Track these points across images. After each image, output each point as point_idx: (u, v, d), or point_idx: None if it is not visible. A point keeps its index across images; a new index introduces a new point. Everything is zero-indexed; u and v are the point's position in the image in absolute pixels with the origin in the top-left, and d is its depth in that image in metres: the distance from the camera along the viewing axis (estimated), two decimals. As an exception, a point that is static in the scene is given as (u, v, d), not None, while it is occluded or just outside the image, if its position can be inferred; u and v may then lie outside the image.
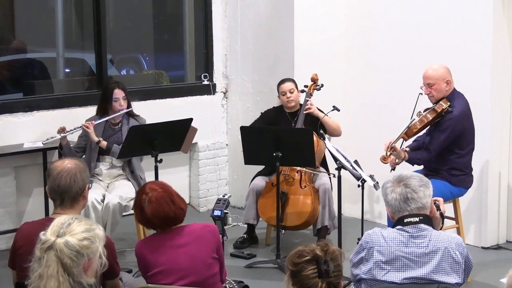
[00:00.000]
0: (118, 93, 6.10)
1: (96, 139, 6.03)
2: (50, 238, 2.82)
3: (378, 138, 6.09)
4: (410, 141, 5.84)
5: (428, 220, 3.56)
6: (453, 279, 3.49)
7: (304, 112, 6.31)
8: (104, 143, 6.05)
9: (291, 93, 6.37)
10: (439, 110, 5.53)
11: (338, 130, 6.39)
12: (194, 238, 3.85)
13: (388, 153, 5.58)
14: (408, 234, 3.52)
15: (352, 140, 7.05)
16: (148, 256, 3.82)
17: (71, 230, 2.85)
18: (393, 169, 5.71)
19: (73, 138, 6.27)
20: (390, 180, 3.63)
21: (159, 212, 3.82)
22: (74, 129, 6.03)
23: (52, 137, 6.02)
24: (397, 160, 5.68)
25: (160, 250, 3.82)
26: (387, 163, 5.61)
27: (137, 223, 6.13)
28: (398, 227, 3.55)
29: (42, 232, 2.86)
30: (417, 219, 3.53)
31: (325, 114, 6.32)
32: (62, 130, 5.99)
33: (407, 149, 5.71)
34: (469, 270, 3.60)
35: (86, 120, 6.19)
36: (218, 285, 3.92)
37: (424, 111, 5.61)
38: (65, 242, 2.80)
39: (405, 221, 3.54)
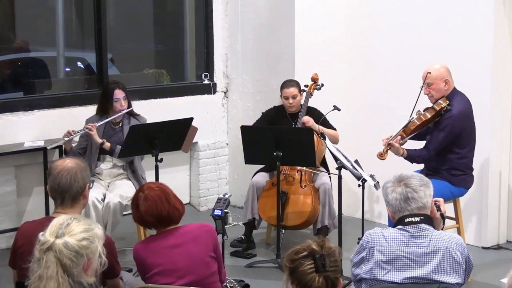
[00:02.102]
0: (119, 94, 6.10)
1: (99, 141, 6.03)
2: (49, 239, 2.81)
3: (378, 138, 6.08)
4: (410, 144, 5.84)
5: (429, 220, 3.56)
6: (453, 279, 3.49)
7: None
8: (107, 145, 6.06)
9: (294, 98, 6.36)
10: (438, 109, 5.53)
11: (334, 139, 6.35)
12: (191, 238, 3.87)
13: (385, 149, 5.58)
14: (409, 233, 3.52)
15: (353, 140, 7.04)
16: (145, 258, 3.83)
17: (70, 231, 2.84)
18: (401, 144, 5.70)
19: (73, 139, 6.27)
20: (390, 180, 3.63)
21: (153, 210, 3.86)
22: (78, 132, 6.02)
23: (56, 142, 6.02)
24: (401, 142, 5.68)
25: (157, 251, 3.83)
26: (384, 159, 5.61)
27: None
28: (399, 226, 3.55)
29: (41, 233, 2.85)
30: (417, 218, 3.53)
31: (324, 116, 6.31)
32: (68, 134, 5.99)
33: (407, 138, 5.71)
34: (470, 270, 3.60)
35: (86, 120, 6.19)
36: (217, 284, 3.93)
37: (424, 111, 5.62)
38: (64, 243, 2.80)
39: (406, 221, 3.54)
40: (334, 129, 6.42)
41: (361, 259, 3.56)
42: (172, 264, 3.80)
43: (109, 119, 6.11)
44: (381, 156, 5.60)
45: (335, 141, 6.36)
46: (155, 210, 3.86)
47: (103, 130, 6.14)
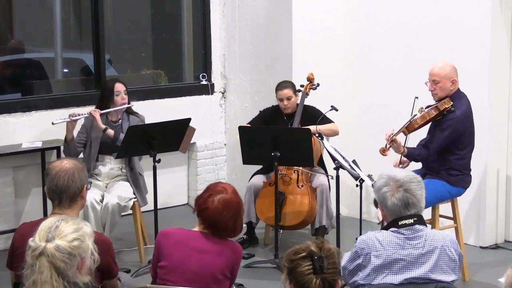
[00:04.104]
0: (119, 87, 6.13)
1: (102, 126, 6.03)
2: (39, 244, 2.78)
3: (377, 138, 6.09)
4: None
5: (421, 220, 3.56)
6: (450, 277, 3.50)
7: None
8: (111, 132, 6.04)
9: (288, 100, 6.36)
10: (441, 109, 5.51)
11: (333, 133, 6.37)
12: (215, 251, 3.79)
13: (388, 146, 5.57)
14: (404, 236, 3.50)
15: (351, 139, 7.05)
16: (164, 246, 3.79)
17: (59, 233, 2.81)
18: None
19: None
20: (385, 182, 3.56)
21: (219, 215, 3.77)
22: (82, 114, 6.02)
23: (62, 119, 5.98)
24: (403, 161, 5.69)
25: (178, 245, 3.78)
26: (387, 155, 5.60)
27: (135, 223, 6.14)
28: (393, 229, 3.52)
29: (30, 239, 2.82)
30: (411, 220, 3.51)
31: (324, 114, 6.31)
32: (73, 114, 5.99)
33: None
34: (460, 265, 3.60)
35: (85, 119, 6.19)
36: None
37: (426, 108, 5.60)
38: (56, 246, 2.77)
39: (399, 223, 3.51)
40: (332, 121, 6.41)
41: (357, 266, 3.52)
42: (185, 265, 3.75)
43: (111, 109, 6.11)
44: (384, 152, 5.58)
45: (334, 133, 6.37)
46: (219, 217, 3.77)
47: None
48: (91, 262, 2.88)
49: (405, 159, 5.78)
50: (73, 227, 2.85)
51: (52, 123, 6.02)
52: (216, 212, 3.78)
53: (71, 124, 6.00)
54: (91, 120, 6.12)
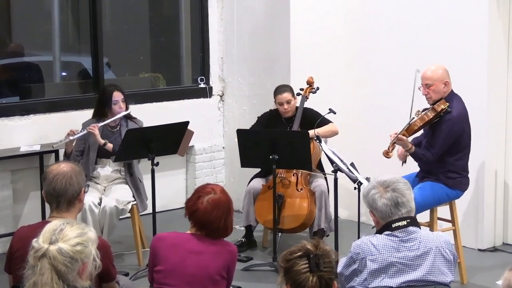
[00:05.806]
0: (117, 96, 6.11)
1: (102, 141, 6.02)
2: (42, 245, 2.79)
3: (377, 139, 6.10)
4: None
5: (414, 221, 3.56)
6: (447, 277, 3.51)
7: None
8: (110, 146, 6.04)
9: (288, 103, 6.35)
10: (438, 110, 5.51)
11: (332, 134, 6.38)
12: (211, 252, 3.80)
13: (391, 148, 5.57)
14: (398, 238, 3.50)
15: (351, 140, 7.04)
16: (160, 249, 3.80)
17: (63, 236, 2.82)
18: (404, 161, 5.71)
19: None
20: (373, 186, 3.58)
21: (208, 215, 3.79)
22: (81, 132, 5.99)
23: (61, 141, 5.99)
24: (406, 153, 5.67)
25: (174, 249, 3.79)
26: (390, 157, 5.58)
27: (134, 227, 6.13)
28: (387, 232, 3.52)
29: (34, 240, 2.83)
30: (405, 222, 3.52)
31: (322, 116, 6.31)
32: (72, 133, 5.97)
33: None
34: (455, 265, 3.61)
35: (83, 124, 6.18)
36: None
37: (423, 111, 5.61)
38: (58, 249, 2.78)
39: (393, 226, 3.51)
40: (330, 122, 6.40)
41: (353, 271, 3.52)
42: (182, 267, 3.76)
43: (109, 120, 6.09)
44: (387, 154, 5.57)
45: (333, 134, 6.37)
46: (209, 217, 3.78)
47: (101, 133, 6.13)
48: (93, 268, 2.88)
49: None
50: (77, 231, 2.86)
51: (53, 147, 6.13)
52: (206, 213, 3.79)
53: (70, 141, 6.00)
54: (89, 125, 6.12)
